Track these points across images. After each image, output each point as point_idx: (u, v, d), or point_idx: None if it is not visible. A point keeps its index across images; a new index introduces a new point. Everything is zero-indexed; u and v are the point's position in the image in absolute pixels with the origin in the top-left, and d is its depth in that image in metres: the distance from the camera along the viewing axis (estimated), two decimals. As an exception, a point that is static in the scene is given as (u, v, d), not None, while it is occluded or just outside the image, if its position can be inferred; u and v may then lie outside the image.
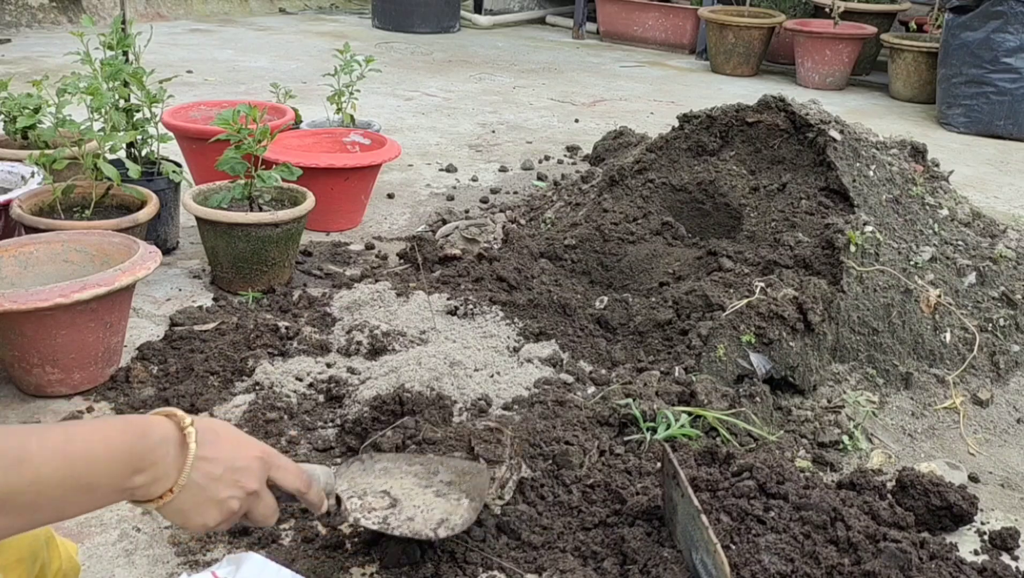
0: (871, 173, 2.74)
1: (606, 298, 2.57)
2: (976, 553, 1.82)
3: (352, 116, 3.82)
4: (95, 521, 1.75)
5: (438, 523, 1.62)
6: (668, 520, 1.65)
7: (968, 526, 1.89)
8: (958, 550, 1.73)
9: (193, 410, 2.09)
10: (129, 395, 2.18)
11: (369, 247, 3.19)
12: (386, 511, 1.63)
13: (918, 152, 3.02)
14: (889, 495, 1.86)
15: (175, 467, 1.05)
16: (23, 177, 2.66)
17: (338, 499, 1.45)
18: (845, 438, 2.15)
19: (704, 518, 1.45)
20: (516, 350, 2.36)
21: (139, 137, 2.86)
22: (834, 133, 2.76)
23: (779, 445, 2.06)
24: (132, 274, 2.13)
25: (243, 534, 1.71)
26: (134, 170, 2.63)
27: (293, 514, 1.76)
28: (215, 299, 2.70)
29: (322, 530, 1.73)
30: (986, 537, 1.87)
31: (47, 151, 2.58)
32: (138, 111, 2.84)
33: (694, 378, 2.16)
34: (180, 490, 1.06)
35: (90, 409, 2.14)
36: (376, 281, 2.73)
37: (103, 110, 2.65)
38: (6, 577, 1.13)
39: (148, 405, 2.14)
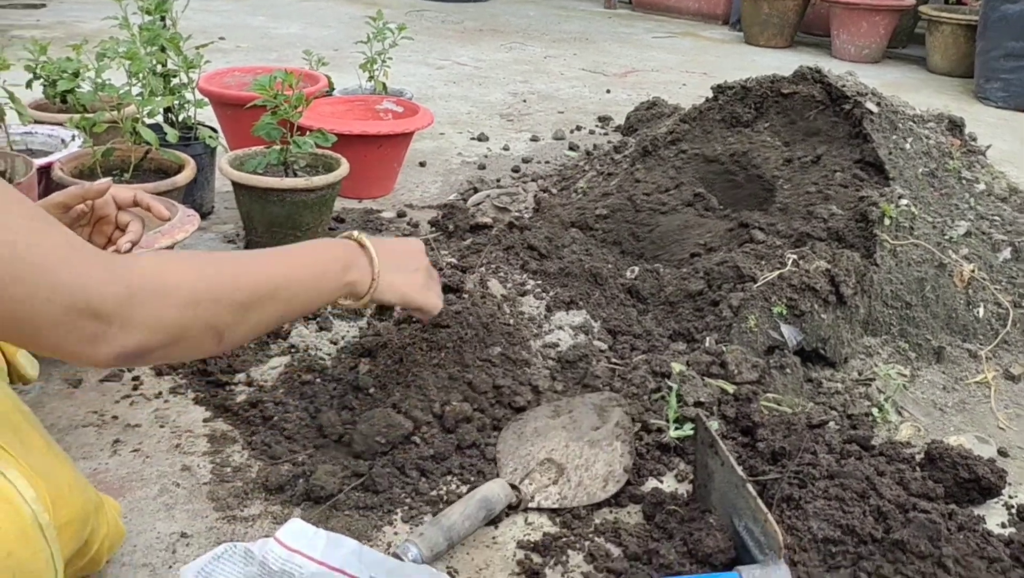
0: (907, 146, 2.72)
1: (637, 268, 2.57)
2: (1004, 526, 1.83)
3: (384, 84, 3.83)
4: (136, 477, 1.79)
5: (604, 480, 1.63)
6: (700, 486, 1.67)
7: (996, 499, 1.89)
8: (985, 522, 1.74)
9: (231, 371, 2.13)
10: (167, 355, 2.22)
11: (401, 215, 3.21)
12: (557, 485, 1.65)
13: (955, 126, 2.99)
14: (918, 468, 1.87)
15: (367, 262, 1.45)
16: (63, 140, 2.70)
17: (513, 487, 1.56)
18: (875, 411, 2.16)
19: (750, 488, 1.46)
20: (547, 317, 2.38)
21: (176, 102, 2.89)
22: (871, 105, 2.74)
23: (809, 416, 2.07)
24: (171, 237, 2.16)
25: (279, 491, 1.76)
26: (172, 135, 2.66)
27: (313, 500, 1.80)
28: (250, 263, 2.73)
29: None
30: (1014, 510, 1.87)
31: (87, 115, 2.61)
32: (175, 76, 2.87)
33: (724, 349, 2.17)
34: (379, 275, 1.44)
35: (135, 377, 2.18)
36: (408, 248, 2.75)
37: (141, 75, 2.68)
38: (59, 535, 1.16)
39: (186, 364, 2.18)
